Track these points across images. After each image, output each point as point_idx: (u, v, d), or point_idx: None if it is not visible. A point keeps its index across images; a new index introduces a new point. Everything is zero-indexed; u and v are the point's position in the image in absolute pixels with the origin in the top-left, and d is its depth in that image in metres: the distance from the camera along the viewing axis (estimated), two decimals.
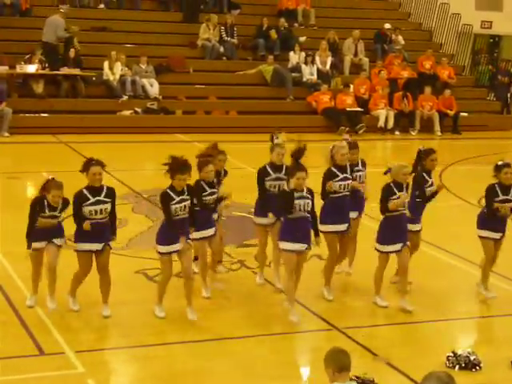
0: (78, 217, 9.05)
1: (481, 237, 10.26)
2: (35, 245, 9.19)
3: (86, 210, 9.01)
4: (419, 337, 9.30)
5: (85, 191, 9.10)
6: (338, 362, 5.52)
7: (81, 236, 9.11)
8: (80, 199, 9.03)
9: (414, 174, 10.29)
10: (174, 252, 9.17)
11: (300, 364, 8.83)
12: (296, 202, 9.13)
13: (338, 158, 10.02)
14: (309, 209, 9.26)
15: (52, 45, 22.78)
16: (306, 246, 9.31)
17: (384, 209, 9.72)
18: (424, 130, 24.66)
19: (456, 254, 12.00)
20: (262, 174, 10.17)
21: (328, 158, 10.13)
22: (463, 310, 10.26)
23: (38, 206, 9.16)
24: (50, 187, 9.14)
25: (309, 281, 10.22)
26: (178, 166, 9.05)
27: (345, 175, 10.06)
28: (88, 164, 9.16)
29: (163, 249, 9.17)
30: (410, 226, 10.05)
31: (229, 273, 10.90)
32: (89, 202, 9.02)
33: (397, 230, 9.73)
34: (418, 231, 10.43)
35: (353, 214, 10.43)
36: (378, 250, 9.86)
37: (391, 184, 9.78)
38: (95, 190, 9.10)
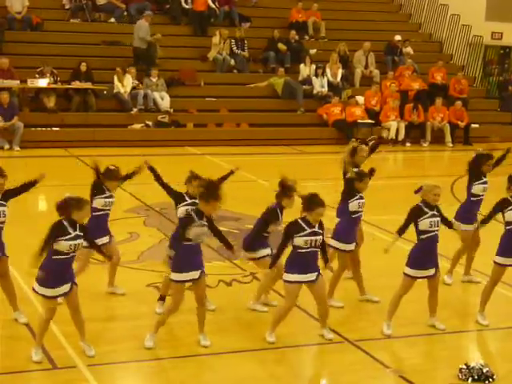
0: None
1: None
2: None
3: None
4: (432, 349, 9.25)
5: None
6: None
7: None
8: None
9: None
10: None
11: (312, 377, 8.79)
12: (307, 238, 8.74)
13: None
14: (319, 244, 8.85)
15: (140, 49, 23.61)
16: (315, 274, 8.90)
17: (416, 232, 9.33)
18: (435, 142, 24.64)
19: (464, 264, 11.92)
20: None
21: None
22: (476, 321, 10.19)
23: None
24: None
25: None
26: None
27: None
28: None
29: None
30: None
31: (241, 286, 10.86)
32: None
33: (430, 254, 9.39)
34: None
35: None
36: (408, 275, 9.40)
37: (421, 204, 9.35)
38: None
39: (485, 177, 11.13)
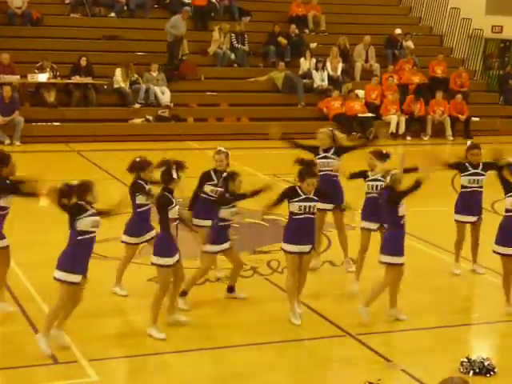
0: None
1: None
2: None
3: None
4: (433, 343, 9.26)
5: None
6: None
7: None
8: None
9: None
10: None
11: (314, 370, 8.80)
12: (301, 204, 9.29)
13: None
14: (314, 210, 9.39)
15: (169, 43, 23.96)
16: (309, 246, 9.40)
17: None
18: (436, 135, 24.63)
19: (468, 258, 11.90)
20: None
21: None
22: (477, 315, 10.22)
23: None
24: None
25: (321, 287, 10.21)
26: None
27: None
28: None
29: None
30: None
31: (241, 280, 10.87)
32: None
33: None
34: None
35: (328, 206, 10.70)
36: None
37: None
38: None
39: (474, 168, 11.15)
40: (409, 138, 24.39)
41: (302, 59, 25.35)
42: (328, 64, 25.25)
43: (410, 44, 27.21)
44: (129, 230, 10.09)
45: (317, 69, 25.05)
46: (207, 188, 10.26)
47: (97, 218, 8.41)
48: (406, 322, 9.60)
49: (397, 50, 27.04)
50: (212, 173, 10.30)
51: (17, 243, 11.82)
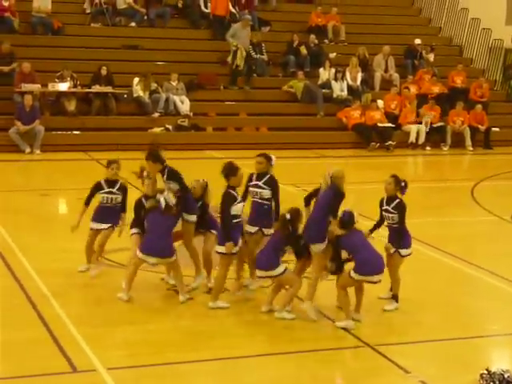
0: None
1: None
2: None
3: None
4: (453, 354, 9.19)
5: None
6: None
7: None
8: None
9: None
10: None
11: (332, 382, 8.76)
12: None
13: None
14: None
15: (233, 52, 24.20)
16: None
17: None
18: (455, 145, 24.57)
19: (488, 269, 11.86)
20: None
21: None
22: (497, 327, 10.14)
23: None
24: None
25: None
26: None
27: None
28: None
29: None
30: None
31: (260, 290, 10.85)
32: None
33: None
34: None
35: None
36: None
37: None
38: None
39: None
40: (428, 148, 24.32)
41: (321, 69, 25.37)
42: (347, 74, 25.25)
43: (431, 56, 27.17)
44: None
45: (336, 79, 25.05)
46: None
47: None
48: (425, 333, 9.54)
49: (416, 60, 27.00)
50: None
51: (33, 250, 11.90)
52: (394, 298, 10.14)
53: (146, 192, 10.41)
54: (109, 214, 10.80)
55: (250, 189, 10.29)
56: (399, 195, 10.06)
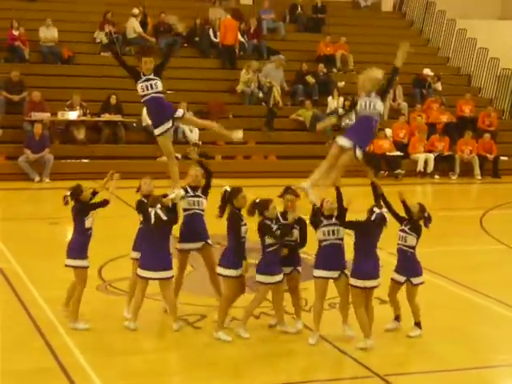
0: None
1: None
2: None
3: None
4: None
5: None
6: None
7: None
8: None
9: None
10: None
11: None
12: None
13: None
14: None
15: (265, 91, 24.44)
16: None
17: None
18: (464, 174, 24.56)
19: (496, 298, 11.81)
20: None
21: None
22: (505, 356, 10.07)
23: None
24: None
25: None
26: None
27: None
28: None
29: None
30: None
31: (269, 318, 10.82)
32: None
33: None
34: None
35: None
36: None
37: None
38: None
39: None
40: (437, 176, 24.33)
41: (329, 98, 25.45)
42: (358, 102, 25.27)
43: (438, 86, 27.26)
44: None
45: (344, 107, 25.11)
46: None
47: None
48: (434, 363, 9.48)
49: (425, 89, 27.08)
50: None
51: (46, 278, 11.92)
52: (417, 325, 10.12)
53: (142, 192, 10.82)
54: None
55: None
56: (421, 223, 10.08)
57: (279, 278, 9.79)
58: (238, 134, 11.15)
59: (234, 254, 9.78)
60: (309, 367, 9.24)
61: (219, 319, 9.84)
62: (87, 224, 10.12)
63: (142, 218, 10.29)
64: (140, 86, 10.32)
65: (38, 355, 9.22)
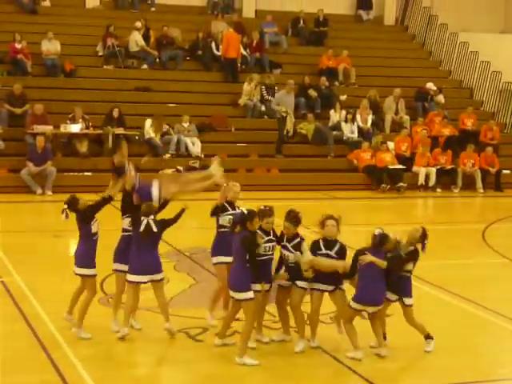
0: None
1: None
2: None
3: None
4: None
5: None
6: None
7: None
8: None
9: None
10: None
11: None
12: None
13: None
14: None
15: (278, 119, 24.47)
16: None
17: None
18: (466, 188, 24.57)
19: (498, 312, 11.79)
20: None
21: None
22: (506, 370, 10.05)
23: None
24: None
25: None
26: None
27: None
28: None
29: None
30: None
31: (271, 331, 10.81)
32: None
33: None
34: None
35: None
36: None
37: None
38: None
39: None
40: (439, 190, 24.34)
41: (331, 111, 25.51)
42: (358, 116, 25.37)
43: (441, 98, 27.30)
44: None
45: (346, 121, 25.18)
46: None
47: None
48: (436, 377, 9.46)
49: (427, 102, 27.12)
50: None
51: (50, 292, 11.91)
52: (428, 337, 10.07)
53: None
54: None
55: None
56: (418, 246, 9.99)
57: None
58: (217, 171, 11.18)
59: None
60: (307, 380, 9.22)
61: (243, 343, 9.49)
62: (93, 229, 10.16)
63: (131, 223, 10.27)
64: None
65: (40, 367, 9.21)
